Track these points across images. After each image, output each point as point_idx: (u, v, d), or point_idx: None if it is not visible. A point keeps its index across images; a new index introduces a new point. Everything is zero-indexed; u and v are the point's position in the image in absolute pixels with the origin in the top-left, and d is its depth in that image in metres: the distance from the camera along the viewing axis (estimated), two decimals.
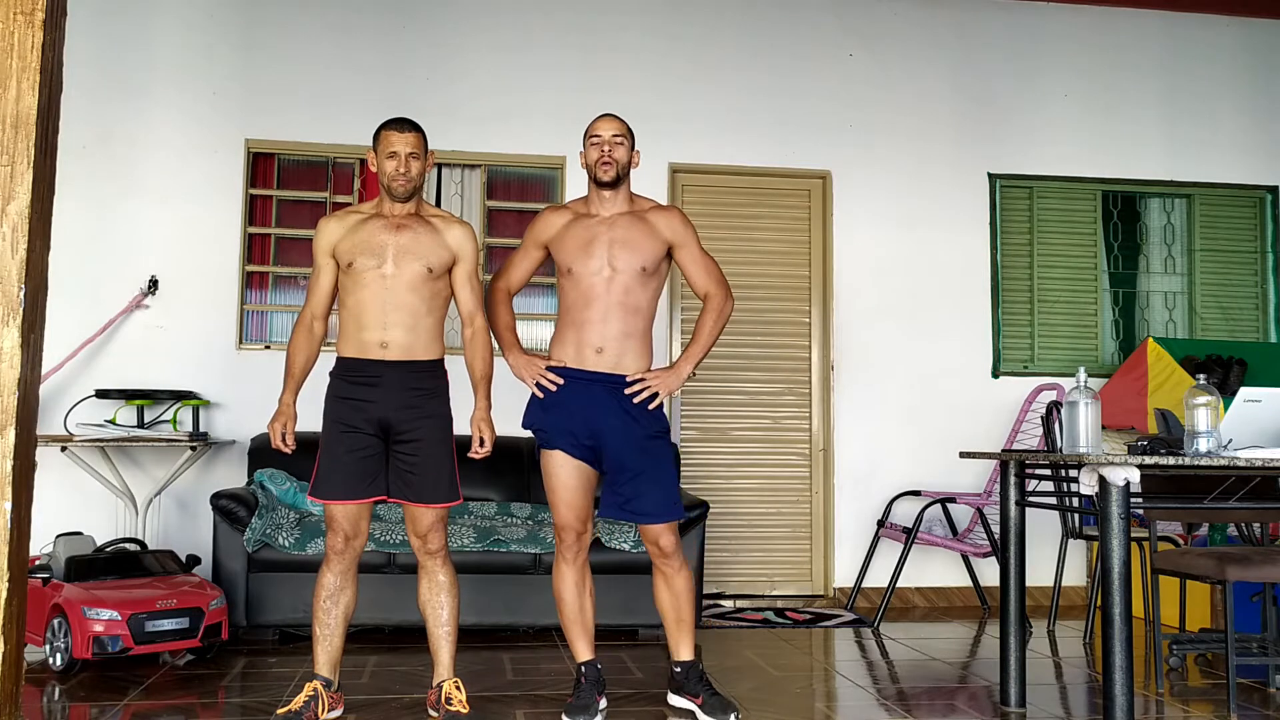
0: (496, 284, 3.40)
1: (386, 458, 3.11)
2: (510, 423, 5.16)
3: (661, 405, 3.25)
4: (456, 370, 3.24)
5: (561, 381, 3.19)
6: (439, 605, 3.16)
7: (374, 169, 3.15)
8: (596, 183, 3.25)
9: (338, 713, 3.18)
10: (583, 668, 3.23)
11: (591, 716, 3.10)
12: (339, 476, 3.07)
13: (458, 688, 3.12)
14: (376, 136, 3.15)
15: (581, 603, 3.25)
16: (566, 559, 3.24)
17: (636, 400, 3.18)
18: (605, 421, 3.17)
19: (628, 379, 3.20)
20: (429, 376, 3.13)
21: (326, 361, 3.21)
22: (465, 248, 3.21)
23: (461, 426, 3.21)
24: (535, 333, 5.44)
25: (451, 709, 3.06)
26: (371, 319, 3.08)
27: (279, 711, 3.05)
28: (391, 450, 3.10)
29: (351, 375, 3.10)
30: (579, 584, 3.25)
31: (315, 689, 3.08)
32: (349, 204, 5.23)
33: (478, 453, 3.18)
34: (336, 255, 3.14)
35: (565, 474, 3.20)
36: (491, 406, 3.23)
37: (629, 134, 3.26)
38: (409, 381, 3.09)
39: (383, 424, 3.09)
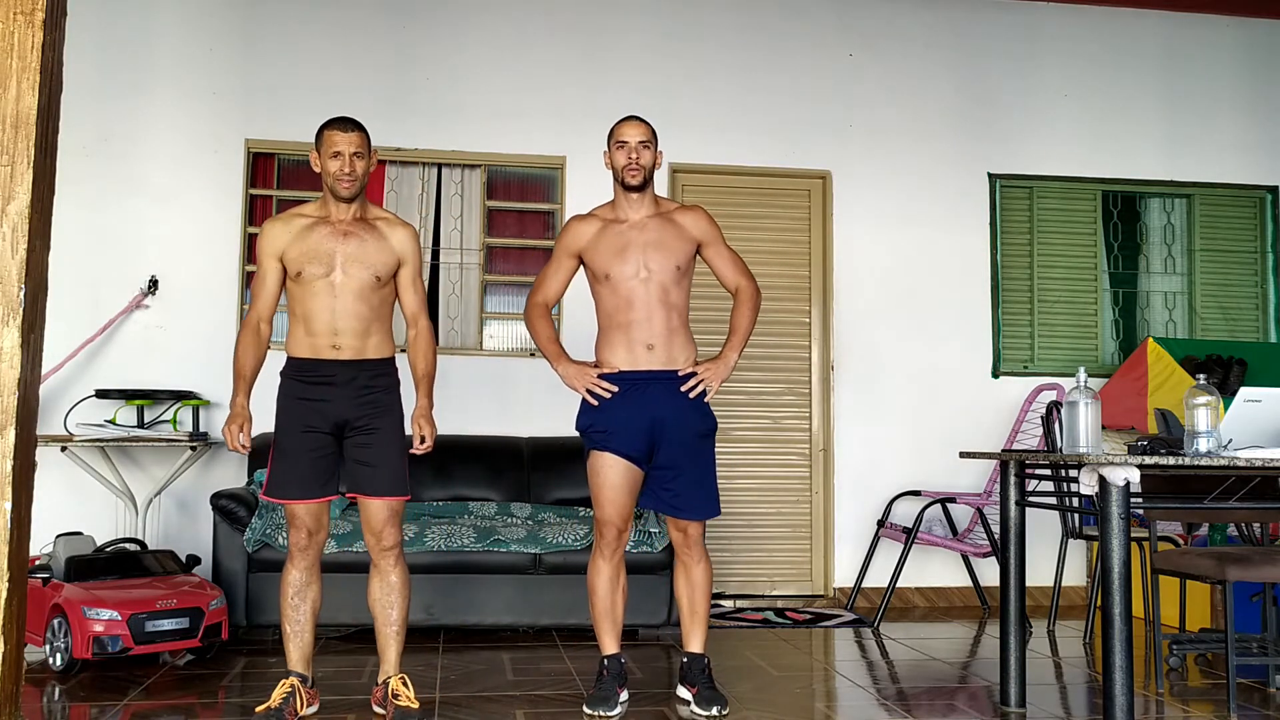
0: (534, 299, 3.42)
1: (340, 454, 3.14)
2: (510, 422, 5.20)
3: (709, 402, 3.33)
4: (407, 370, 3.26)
5: (616, 389, 3.24)
6: (390, 605, 3.17)
7: (317, 169, 3.16)
8: (624, 186, 3.30)
9: (314, 708, 3.19)
10: (605, 661, 3.32)
11: (612, 708, 3.19)
12: (297, 477, 3.09)
13: (405, 684, 3.14)
14: (319, 136, 3.15)
15: (614, 599, 3.34)
16: (604, 555, 3.32)
17: (692, 395, 3.26)
18: (664, 417, 3.24)
19: (680, 373, 3.28)
20: (381, 375, 3.16)
21: (275, 360, 3.21)
22: (409, 251, 3.21)
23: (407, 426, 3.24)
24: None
25: (400, 704, 3.07)
26: (321, 325, 3.09)
27: (258, 710, 3.07)
28: (345, 446, 3.13)
29: (305, 375, 3.11)
30: (613, 580, 3.33)
31: (292, 685, 3.10)
32: None
33: (418, 449, 3.18)
34: (284, 261, 3.13)
35: (614, 475, 3.25)
36: (433, 405, 3.23)
37: (654, 136, 3.32)
38: (363, 380, 3.12)
39: (338, 422, 3.11)
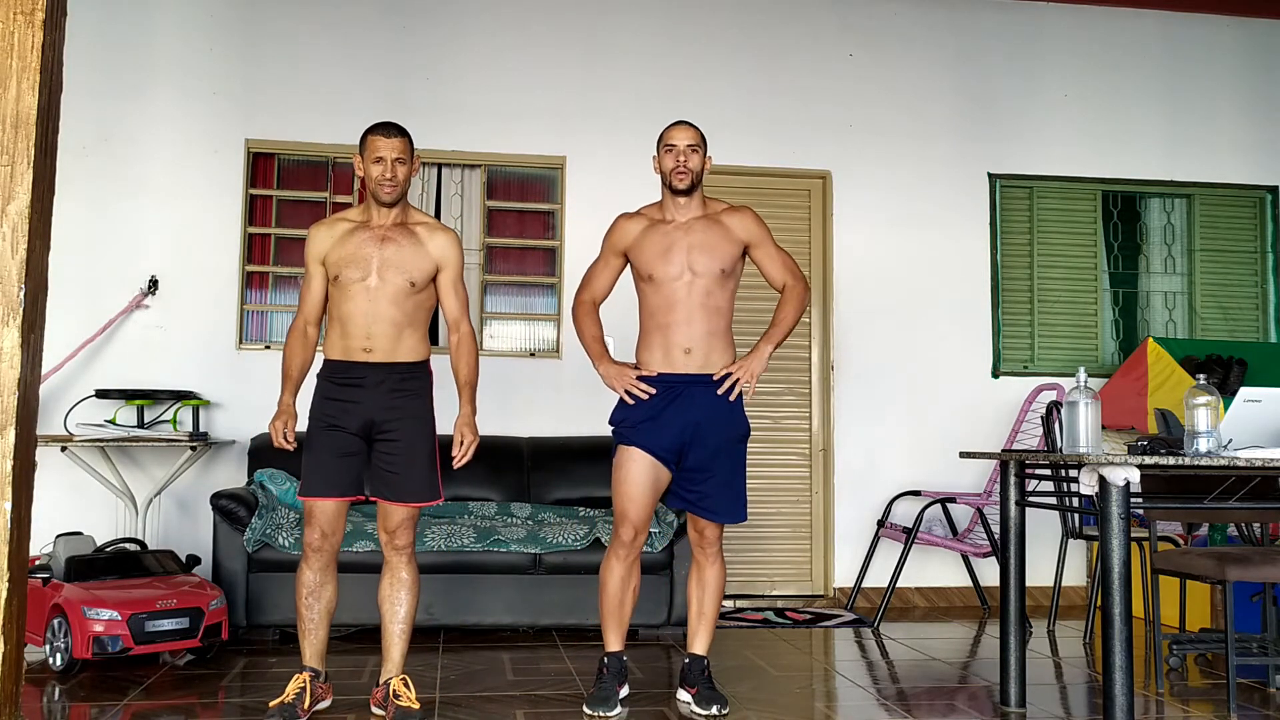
0: (580, 296, 3.43)
1: (369, 457, 3.16)
2: (510, 422, 5.19)
3: (744, 405, 3.34)
4: (443, 372, 3.28)
5: (654, 391, 3.25)
6: (398, 602, 3.20)
7: (360, 174, 3.19)
8: (672, 190, 3.31)
9: (327, 703, 3.22)
10: (606, 659, 3.33)
11: (612, 708, 3.20)
12: (322, 474, 3.11)
13: (406, 685, 3.16)
14: (363, 141, 3.18)
15: (623, 597, 3.34)
16: (619, 555, 3.31)
17: (731, 398, 3.25)
18: (698, 421, 3.24)
19: (715, 376, 3.27)
20: (412, 377, 3.18)
21: (315, 363, 3.26)
22: (449, 256, 3.22)
23: (445, 428, 3.25)
24: (540, 332, 5.45)
25: (401, 704, 3.09)
26: (356, 328, 3.12)
27: (271, 705, 3.08)
28: (373, 448, 3.15)
29: (338, 377, 3.15)
30: (625, 579, 3.33)
31: (305, 680, 3.12)
32: (349, 204, 5.25)
33: (456, 458, 3.20)
34: (325, 264, 3.18)
35: (639, 472, 3.24)
36: (476, 412, 3.25)
37: (703, 141, 3.32)
38: (392, 382, 3.14)
39: (366, 423, 3.13)
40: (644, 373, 3.28)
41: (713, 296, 3.27)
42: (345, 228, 3.19)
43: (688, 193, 3.30)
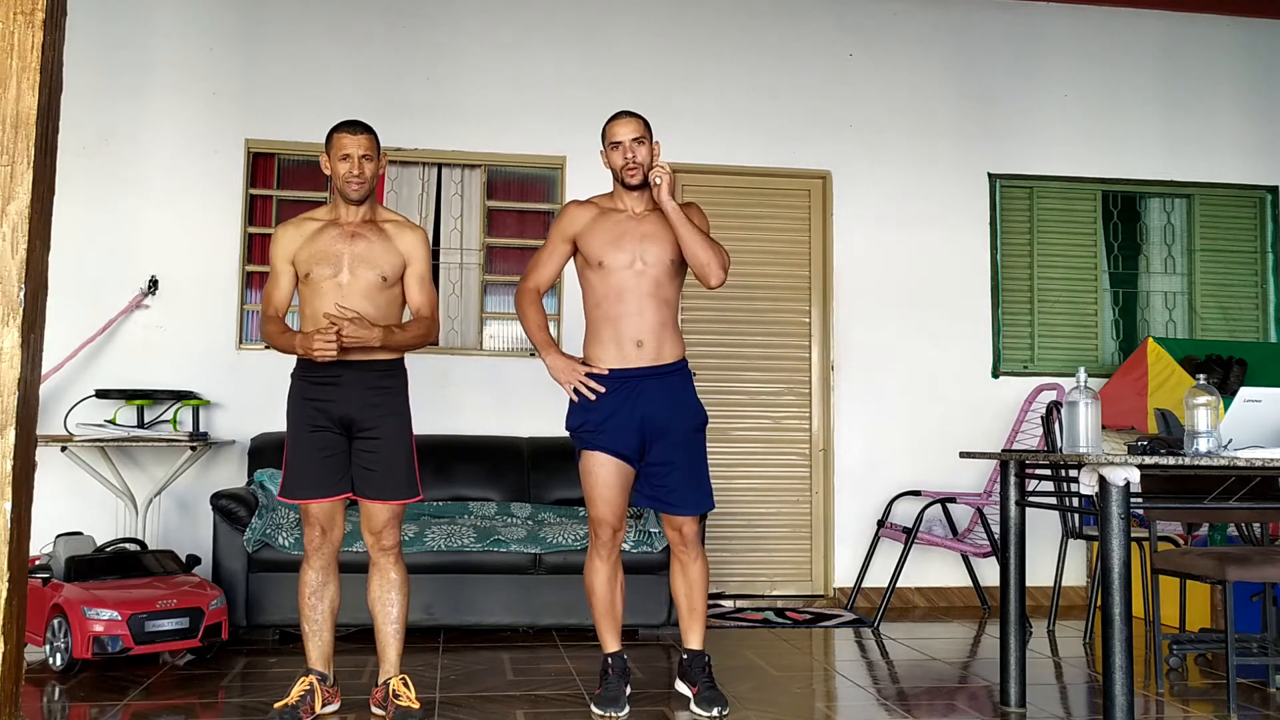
0: (525, 284, 3.39)
1: (350, 455, 3.15)
2: (510, 422, 5.19)
3: (698, 397, 3.35)
4: (417, 370, 3.29)
5: (603, 390, 3.23)
6: (389, 603, 3.19)
7: (327, 172, 3.18)
8: (625, 186, 3.29)
9: (334, 706, 3.21)
10: (609, 659, 3.32)
11: (621, 708, 3.20)
12: (309, 476, 3.11)
13: (405, 684, 3.16)
14: (329, 139, 3.17)
15: (613, 597, 3.34)
16: (601, 555, 3.31)
17: (657, 184, 3.20)
18: (654, 414, 3.23)
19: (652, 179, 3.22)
20: (388, 375, 3.17)
21: (287, 363, 3.22)
22: (416, 252, 3.21)
23: (420, 426, 3.26)
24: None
25: (401, 704, 3.09)
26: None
27: (275, 706, 3.08)
28: (353, 447, 3.15)
29: (312, 376, 3.13)
30: (611, 578, 3.33)
31: (310, 683, 3.12)
32: None
33: (330, 334, 2.98)
34: (295, 264, 3.16)
35: (606, 474, 3.24)
36: (384, 340, 3.04)
37: (648, 129, 3.29)
38: (368, 380, 3.13)
39: (344, 421, 3.13)
40: (594, 370, 3.25)
41: (662, 288, 3.26)
42: (313, 226, 3.18)
43: (641, 188, 3.29)
